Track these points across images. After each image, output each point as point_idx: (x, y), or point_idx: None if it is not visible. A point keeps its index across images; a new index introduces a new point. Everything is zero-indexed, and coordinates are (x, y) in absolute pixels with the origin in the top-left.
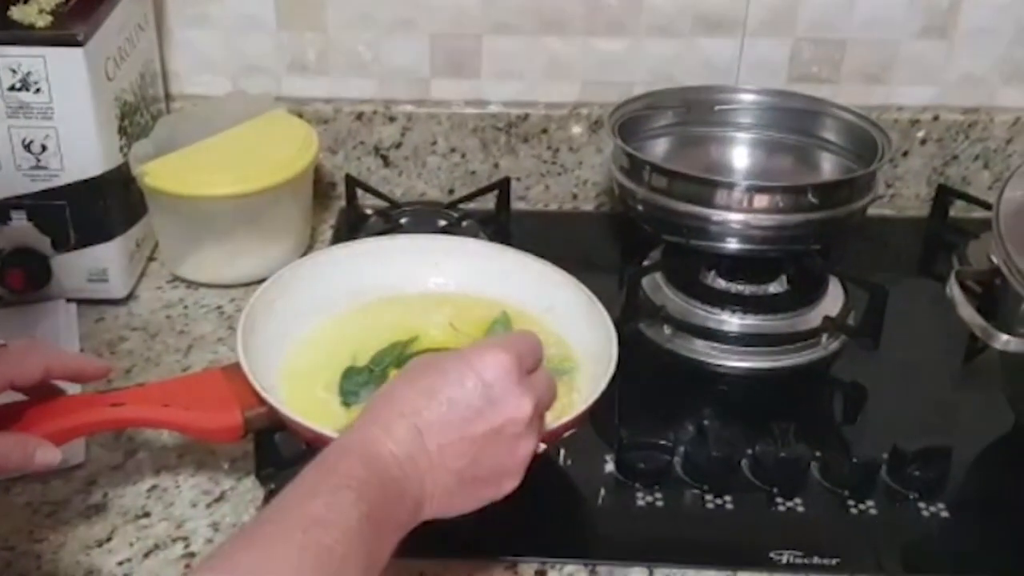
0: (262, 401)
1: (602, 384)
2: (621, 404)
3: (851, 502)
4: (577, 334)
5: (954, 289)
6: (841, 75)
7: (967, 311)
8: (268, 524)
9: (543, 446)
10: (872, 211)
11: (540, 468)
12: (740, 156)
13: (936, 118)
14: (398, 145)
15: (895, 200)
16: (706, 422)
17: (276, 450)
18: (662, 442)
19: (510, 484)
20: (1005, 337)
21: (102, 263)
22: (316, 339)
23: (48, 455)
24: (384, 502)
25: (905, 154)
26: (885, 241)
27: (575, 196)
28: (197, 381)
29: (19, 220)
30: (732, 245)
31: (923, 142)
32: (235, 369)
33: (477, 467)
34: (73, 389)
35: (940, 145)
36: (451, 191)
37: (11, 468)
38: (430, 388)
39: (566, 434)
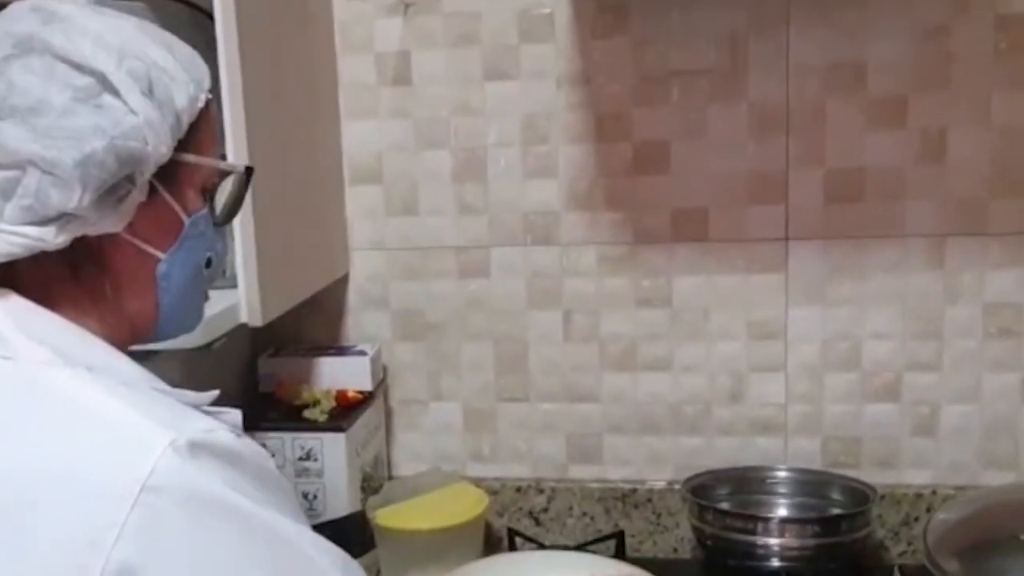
0: None
1: None
2: None
3: None
4: None
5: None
6: (861, 461)
7: None
8: None
9: None
10: (904, 560)
11: None
12: (779, 513)
13: (934, 492)
14: (545, 510)
15: (915, 554)
16: None
17: None
18: None
19: None
20: None
21: None
22: None
23: None
24: None
25: (916, 519)
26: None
27: (675, 549)
28: None
29: None
30: (772, 563)
31: (928, 509)
32: None
33: None
34: None
35: None
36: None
37: None
38: None
39: None
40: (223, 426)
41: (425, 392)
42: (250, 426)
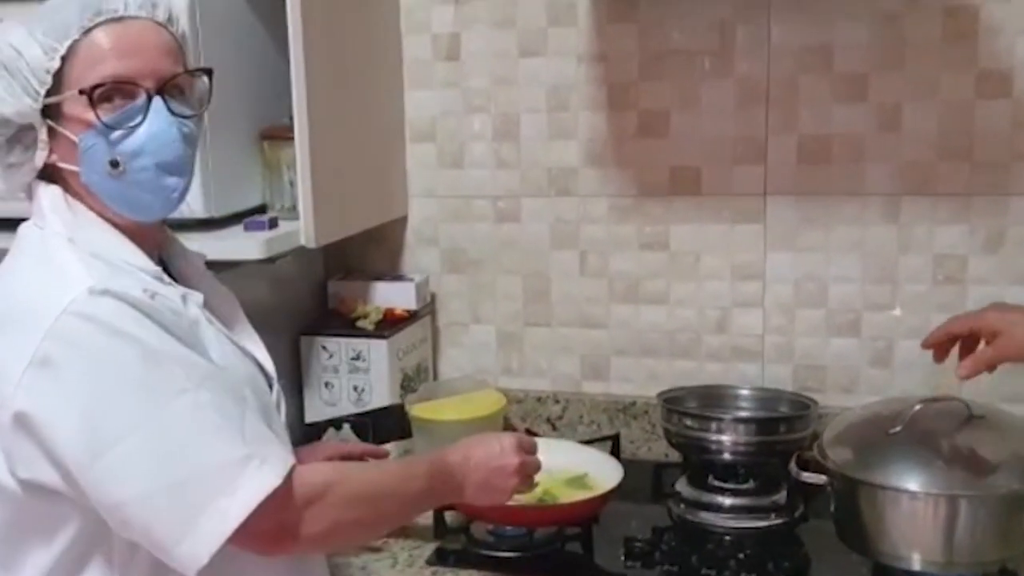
0: None
1: (610, 486)
2: (647, 542)
3: None
4: (604, 479)
5: (793, 463)
6: (826, 386)
7: (795, 469)
8: (378, 467)
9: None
10: None
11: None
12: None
13: None
14: (560, 417)
15: None
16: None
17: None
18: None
19: (501, 499)
20: (806, 474)
21: None
22: None
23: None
24: (443, 482)
25: None
26: None
27: (666, 455)
28: None
29: (345, 428)
30: (723, 457)
31: None
32: None
33: (488, 482)
34: None
35: None
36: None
37: None
38: (478, 444)
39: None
40: (151, 288)
41: (466, 316)
42: (316, 331)
